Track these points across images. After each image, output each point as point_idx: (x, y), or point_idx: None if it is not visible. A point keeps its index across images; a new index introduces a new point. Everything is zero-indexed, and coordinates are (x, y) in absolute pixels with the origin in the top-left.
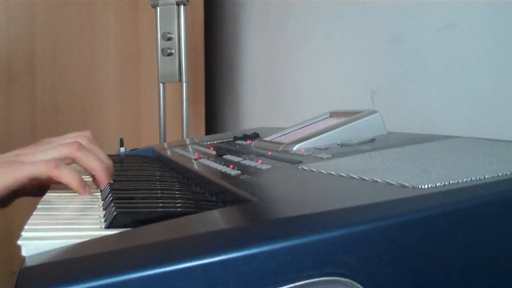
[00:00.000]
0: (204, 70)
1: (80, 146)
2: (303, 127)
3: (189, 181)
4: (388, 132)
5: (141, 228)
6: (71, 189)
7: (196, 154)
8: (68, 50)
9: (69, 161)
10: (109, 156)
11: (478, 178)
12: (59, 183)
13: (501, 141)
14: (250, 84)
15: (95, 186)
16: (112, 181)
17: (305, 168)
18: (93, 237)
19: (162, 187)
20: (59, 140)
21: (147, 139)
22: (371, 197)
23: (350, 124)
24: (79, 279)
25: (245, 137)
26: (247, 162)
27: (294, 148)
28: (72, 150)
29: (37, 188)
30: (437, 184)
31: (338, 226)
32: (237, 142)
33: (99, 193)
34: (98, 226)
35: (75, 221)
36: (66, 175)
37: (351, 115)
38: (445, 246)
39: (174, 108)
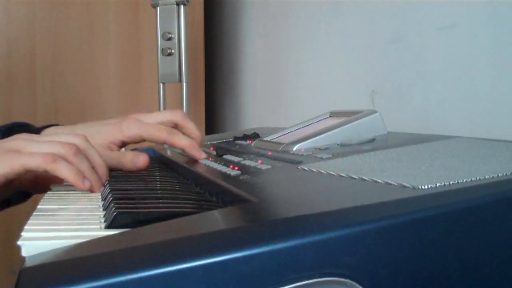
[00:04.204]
0: (204, 70)
1: (77, 149)
2: (303, 127)
3: (189, 181)
4: (388, 132)
5: (141, 228)
6: (71, 185)
7: None
8: (68, 50)
9: None
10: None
11: (478, 178)
12: (56, 178)
13: (501, 141)
14: (250, 84)
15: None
16: (99, 184)
17: (305, 168)
18: (93, 237)
19: (162, 187)
20: (56, 137)
21: None
22: (371, 197)
23: (350, 124)
24: (79, 279)
25: (245, 137)
26: (247, 162)
27: (294, 148)
28: (66, 153)
29: (33, 183)
30: (437, 184)
31: (338, 226)
32: (237, 142)
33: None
34: (98, 226)
35: (75, 221)
36: (63, 169)
37: (351, 115)
38: (445, 246)
39: (174, 108)
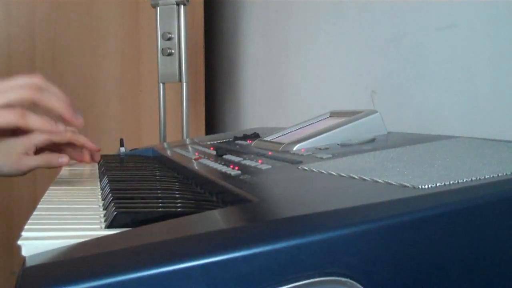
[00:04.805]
0: (204, 70)
1: (39, 87)
2: (303, 127)
3: (189, 181)
4: (388, 132)
5: (141, 228)
6: (71, 185)
7: (196, 154)
8: (68, 50)
9: (28, 103)
10: (109, 156)
11: (478, 178)
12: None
13: (501, 141)
14: (250, 84)
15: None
16: (80, 116)
17: (305, 168)
18: (93, 237)
19: (162, 187)
20: (13, 81)
21: (147, 139)
22: (371, 197)
23: (350, 124)
24: (79, 279)
25: (245, 137)
26: (247, 162)
27: (294, 148)
28: (31, 92)
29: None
30: (437, 184)
31: (338, 226)
32: (237, 142)
33: (99, 193)
34: (98, 226)
35: (75, 221)
36: (35, 122)
37: (351, 115)
38: (445, 246)
39: (174, 108)
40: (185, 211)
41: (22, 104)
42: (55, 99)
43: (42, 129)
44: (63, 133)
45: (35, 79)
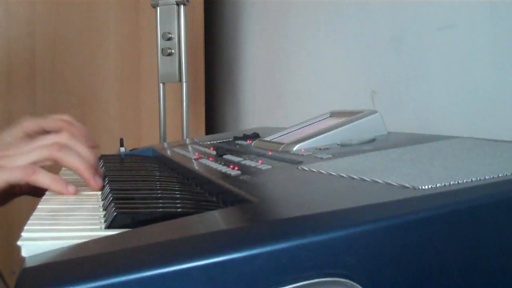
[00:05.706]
0: (204, 70)
1: (60, 146)
2: (303, 127)
3: (189, 181)
4: (388, 132)
5: (141, 229)
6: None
7: (196, 154)
8: (68, 50)
9: (51, 163)
10: (109, 156)
11: (478, 178)
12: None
13: (501, 141)
14: (250, 84)
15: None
16: (100, 178)
17: (305, 168)
18: (93, 238)
19: (162, 187)
20: (40, 141)
21: (147, 139)
22: (371, 198)
23: (350, 124)
24: (79, 279)
25: (245, 137)
26: (247, 162)
27: (294, 148)
28: (51, 152)
29: (33, 189)
30: (438, 185)
31: (338, 227)
32: (237, 142)
33: (99, 193)
34: (98, 226)
35: (75, 221)
36: (44, 180)
37: (351, 115)
38: (446, 246)
39: (174, 108)
40: (185, 212)
41: (42, 163)
42: (76, 159)
43: (50, 189)
44: (69, 193)
45: (61, 138)
